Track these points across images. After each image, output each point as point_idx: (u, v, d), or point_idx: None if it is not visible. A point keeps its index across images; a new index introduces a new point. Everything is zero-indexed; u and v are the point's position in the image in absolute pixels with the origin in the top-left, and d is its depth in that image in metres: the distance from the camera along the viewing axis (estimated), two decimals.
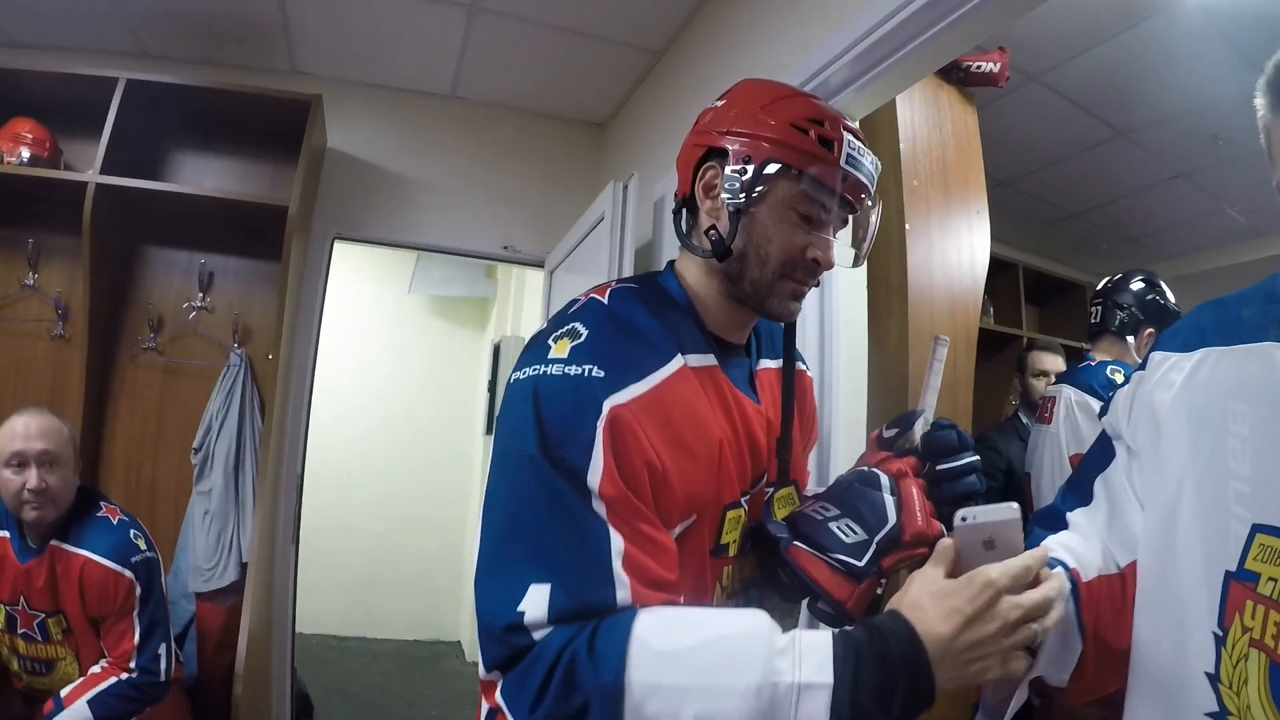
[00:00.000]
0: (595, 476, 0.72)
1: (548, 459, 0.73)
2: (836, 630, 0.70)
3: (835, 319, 1.76)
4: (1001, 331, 3.95)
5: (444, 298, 5.26)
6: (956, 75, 2.33)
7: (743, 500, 0.94)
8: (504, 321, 4.86)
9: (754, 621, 0.69)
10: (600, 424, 0.73)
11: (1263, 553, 0.74)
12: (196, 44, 2.94)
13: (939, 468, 0.92)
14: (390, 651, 4.73)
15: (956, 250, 2.17)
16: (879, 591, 0.90)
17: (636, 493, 0.74)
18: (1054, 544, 0.94)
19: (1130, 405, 0.95)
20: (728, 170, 0.88)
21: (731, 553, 0.93)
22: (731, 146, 0.88)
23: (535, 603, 0.69)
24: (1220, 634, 0.76)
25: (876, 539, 0.87)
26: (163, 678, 1.88)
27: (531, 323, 3.89)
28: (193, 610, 2.61)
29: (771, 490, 0.99)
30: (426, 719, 3.81)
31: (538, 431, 0.74)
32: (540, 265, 3.23)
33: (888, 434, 0.98)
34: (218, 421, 2.74)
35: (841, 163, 0.85)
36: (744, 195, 0.86)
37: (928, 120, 2.21)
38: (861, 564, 0.86)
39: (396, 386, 5.15)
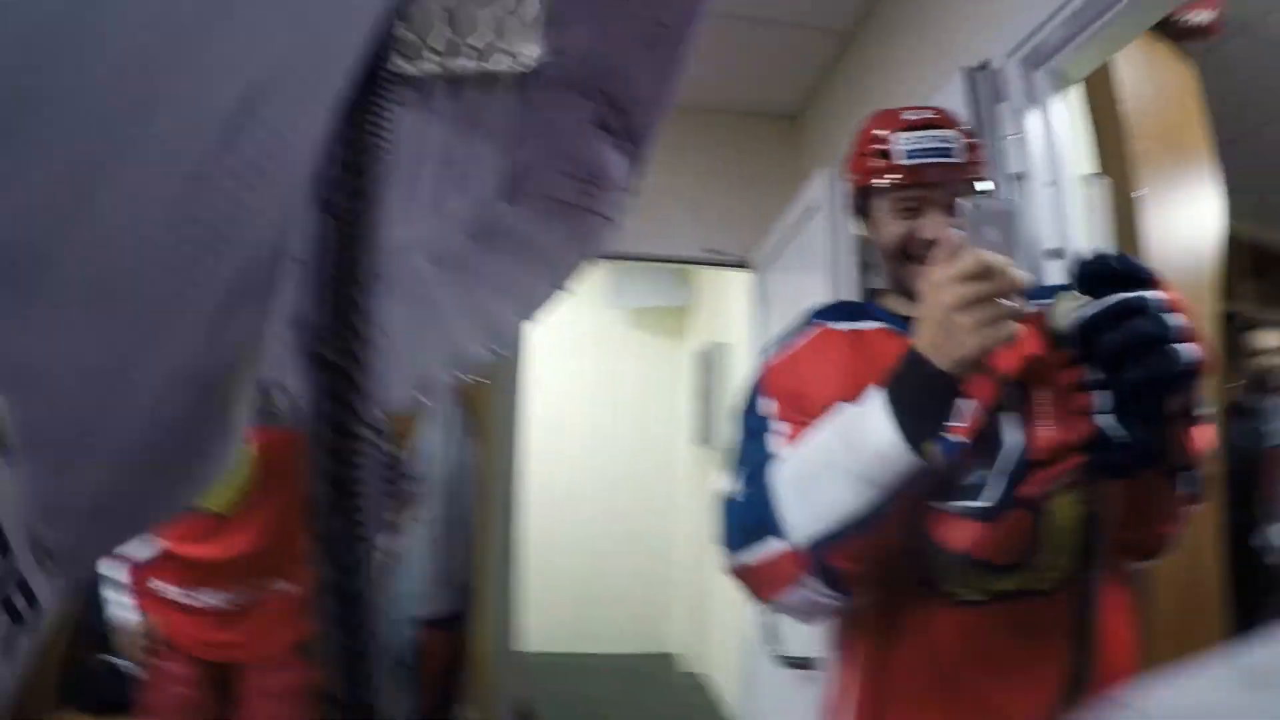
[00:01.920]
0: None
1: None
2: None
3: None
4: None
5: (641, 309, 5.40)
6: (1170, 32, 2.20)
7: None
8: (704, 328, 4.92)
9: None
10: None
11: None
12: None
13: (1086, 330, 0.74)
14: (608, 666, 4.88)
15: (1189, 218, 2.03)
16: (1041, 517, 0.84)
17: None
18: None
19: None
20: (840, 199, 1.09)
21: None
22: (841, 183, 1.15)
23: (736, 482, 0.94)
24: None
25: (999, 469, 0.80)
26: None
27: (736, 327, 3.84)
28: (412, 636, 2.70)
29: None
30: None
31: None
32: (743, 266, 3.21)
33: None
34: (439, 451, 2.83)
35: (898, 161, 0.99)
36: (858, 217, 1.09)
37: (1146, 80, 2.09)
38: (984, 504, 0.80)
39: (602, 401, 5.32)
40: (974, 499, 0.81)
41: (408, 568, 2.75)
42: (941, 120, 1.03)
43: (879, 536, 0.81)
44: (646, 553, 5.24)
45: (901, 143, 1.00)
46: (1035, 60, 1.72)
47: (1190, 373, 0.73)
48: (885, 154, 1.01)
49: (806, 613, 0.92)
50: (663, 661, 5.03)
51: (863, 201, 1.06)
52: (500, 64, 0.36)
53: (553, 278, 0.44)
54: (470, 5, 0.34)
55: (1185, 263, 2.02)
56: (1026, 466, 0.79)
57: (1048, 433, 0.77)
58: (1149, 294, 0.73)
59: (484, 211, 0.38)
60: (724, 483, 0.98)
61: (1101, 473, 0.77)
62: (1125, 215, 1.91)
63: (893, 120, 1.03)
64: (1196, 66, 2.32)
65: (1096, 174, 1.65)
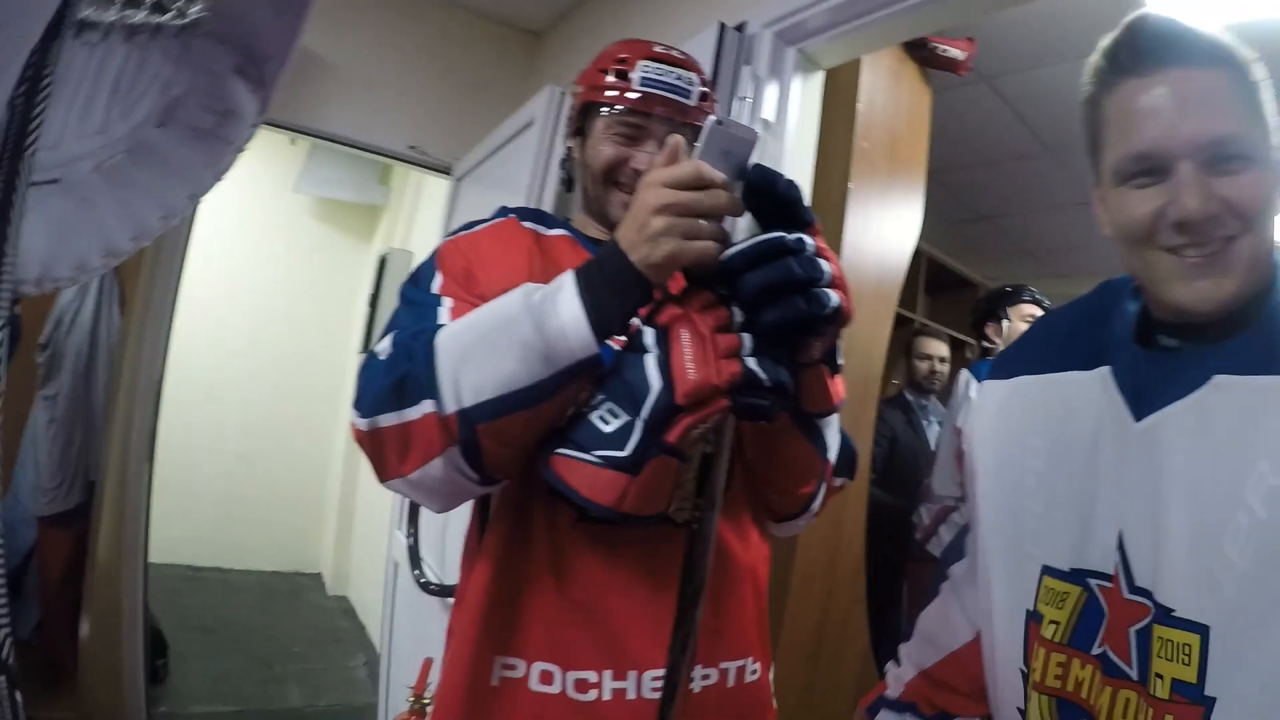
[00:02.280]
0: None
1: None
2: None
3: None
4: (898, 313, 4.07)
5: (331, 201, 4.80)
6: (922, 54, 2.31)
7: None
8: (393, 232, 4.52)
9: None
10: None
11: (1048, 595, 0.75)
12: None
13: (731, 267, 0.73)
14: (249, 584, 4.42)
15: (893, 221, 2.16)
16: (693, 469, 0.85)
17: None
18: (902, 653, 1.08)
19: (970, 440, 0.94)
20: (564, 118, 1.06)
21: None
22: (570, 102, 1.10)
23: (382, 342, 0.85)
24: (1025, 671, 0.78)
25: (642, 416, 0.72)
26: None
27: (426, 235, 3.59)
28: (33, 537, 2.29)
29: None
30: (288, 656, 3.58)
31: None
32: (447, 172, 2.97)
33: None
34: (69, 315, 2.38)
35: (635, 85, 0.99)
36: (575, 136, 1.07)
37: (886, 89, 2.18)
38: (626, 453, 0.73)
39: (270, 295, 4.68)
40: (616, 448, 0.74)
41: (25, 452, 2.31)
42: (687, 63, 1.03)
43: (533, 422, 0.77)
44: (301, 466, 4.72)
45: (642, 69, 1.00)
46: (790, 38, 1.73)
47: (836, 319, 0.74)
48: (624, 74, 1.00)
49: (436, 492, 0.84)
50: (311, 582, 4.63)
51: (584, 119, 1.04)
52: (166, 16, 0.43)
53: (191, 190, 0.53)
54: None
55: (879, 262, 2.14)
56: (671, 411, 0.71)
57: (692, 375, 0.70)
58: (804, 236, 0.73)
59: (141, 133, 0.46)
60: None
61: (747, 415, 0.76)
62: (836, 201, 2.00)
63: (641, 48, 1.03)
64: (933, 95, 2.50)
65: (766, 121, 1.70)
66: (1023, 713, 0.78)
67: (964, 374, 2.59)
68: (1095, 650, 0.71)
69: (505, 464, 0.80)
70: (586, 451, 0.75)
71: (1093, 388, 0.75)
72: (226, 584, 4.35)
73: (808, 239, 0.73)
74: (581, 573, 0.88)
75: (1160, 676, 0.65)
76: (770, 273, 0.71)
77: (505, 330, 0.75)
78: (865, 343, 2.10)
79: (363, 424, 0.81)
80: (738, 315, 0.73)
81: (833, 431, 0.95)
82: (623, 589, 0.89)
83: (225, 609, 3.99)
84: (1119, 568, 0.70)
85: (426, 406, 0.76)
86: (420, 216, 4.17)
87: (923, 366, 3.17)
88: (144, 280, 2.36)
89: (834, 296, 0.73)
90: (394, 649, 2.46)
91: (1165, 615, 0.65)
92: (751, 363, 0.72)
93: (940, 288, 4.75)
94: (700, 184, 0.72)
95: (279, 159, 4.44)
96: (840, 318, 0.74)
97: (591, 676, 0.86)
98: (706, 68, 1.62)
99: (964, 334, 4.09)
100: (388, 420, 0.79)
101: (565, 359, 0.73)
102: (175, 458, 3.50)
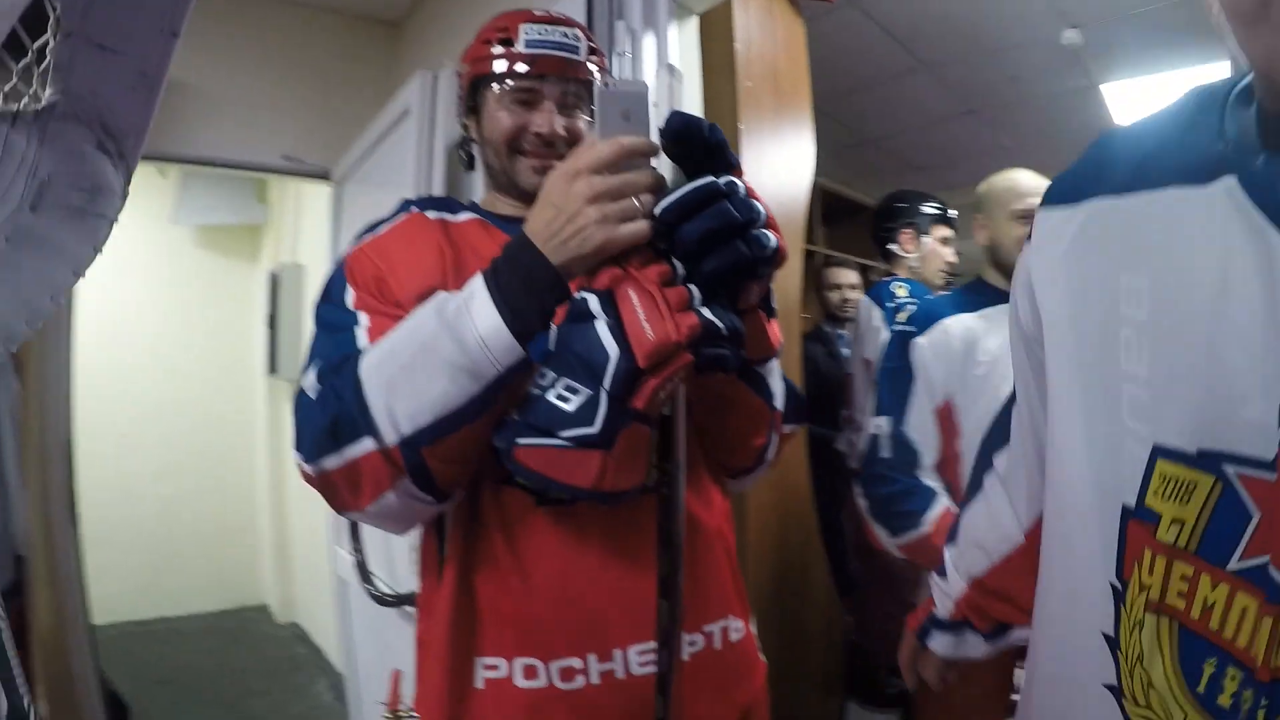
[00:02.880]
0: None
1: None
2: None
3: None
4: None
5: (212, 227, 4.65)
6: None
7: None
8: (280, 249, 4.36)
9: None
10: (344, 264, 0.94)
11: (1165, 486, 0.56)
12: None
13: (666, 220, 0.71)
14: (197, 628, 4.29)
15: (787, 156, 2.16)
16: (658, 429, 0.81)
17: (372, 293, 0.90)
18: (949, 561, 0.96)
19: (1021, 292, 0.73)
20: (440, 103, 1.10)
21: None
22: (444, 85, 1.13)
23: (308, 376, 0.84)
24: (1120, 587, 0.59)
25: (605, 387, 0.68)
26: None
27: (314, 246, 3.47)
28: None
29: None
30: (250, 693, 3.48)
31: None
32: (325, 178, 2.86)
33: None
34: None
35: (519, 49, 0.97)
36: (469, 115, 1.05)
37: (761, 26, 2.16)
38: (596, 429, 0.69)
39: (165, 334, 4.54)
40: (585, 426, 0.69)
41: None
42: (568, 20, 1.02)
43: (476, 434, 0.76)
44: (226, 497, 4.55)
45: (525, 32, 0.99)
46: None
47: (775, 260, 0.74)
48: (508, 41, 0.99)
49: (397, 519, 0.84)
50: (259, 614, 4.52)
51: (475, 96, 1.03)
52: (22, 103, 0.45)
53: (74, 266, 0.53)
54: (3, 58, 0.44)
55: (780, 200, 2.13)
56: (634, 376, 0.68)
57: (650, 334, 0.67)
58: (734, 179, 0.72)
59: (18, 219, 0.47)
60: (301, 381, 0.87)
61: (710, 367, 0.72)
62: (731, 145, 1.99)
63: (520, 15, 1.01)
64: (806, 26, 2.50)
65: (671, 66, 1.69)
66: (1111, 640, 0.60)
67: (864, 301, 2.54)
68: (1235, 565, 0.52)
69: (458, 478, 0.81)
70: (553, 435, 0.71)
71: (1213, 207, 0.54)
72: (175, 632, 4.23)
73: (738, 181, 0.72)
74: (546, 559, 0.87)
75: None
76: (708, 219, 0.69)
77: (427, 352, 0.74)
78: (781, 281, 2.07)
79: (309, 468, 0.80)
80: (678, 268, 0.71)
81: (776, 379, 0.95)
82: (591, 568, 0.87)
83: (178, 657, 3.89)
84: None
85: (368, 444, 0.75)
86: (305, 227, 4.04)
87: (834, 297, 3.21)
88: (36, 341, 2.22)
89: (772, 237, 0.73)
90: (358, 667, 2.41)
91: None
92: (707, 312, 0.70)
93: (836, 216, 4.82)
94: (627, 159, 0.70)
95: (152, 193, 4.30)
96: (778, 258, 0.74)
97: (576, 663, 0.85)
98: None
99: (868, 258, 4.15)
100: (331, 463, 0.78)
101: (492, 370, 0.72)
102: (100, 513, 3.30)
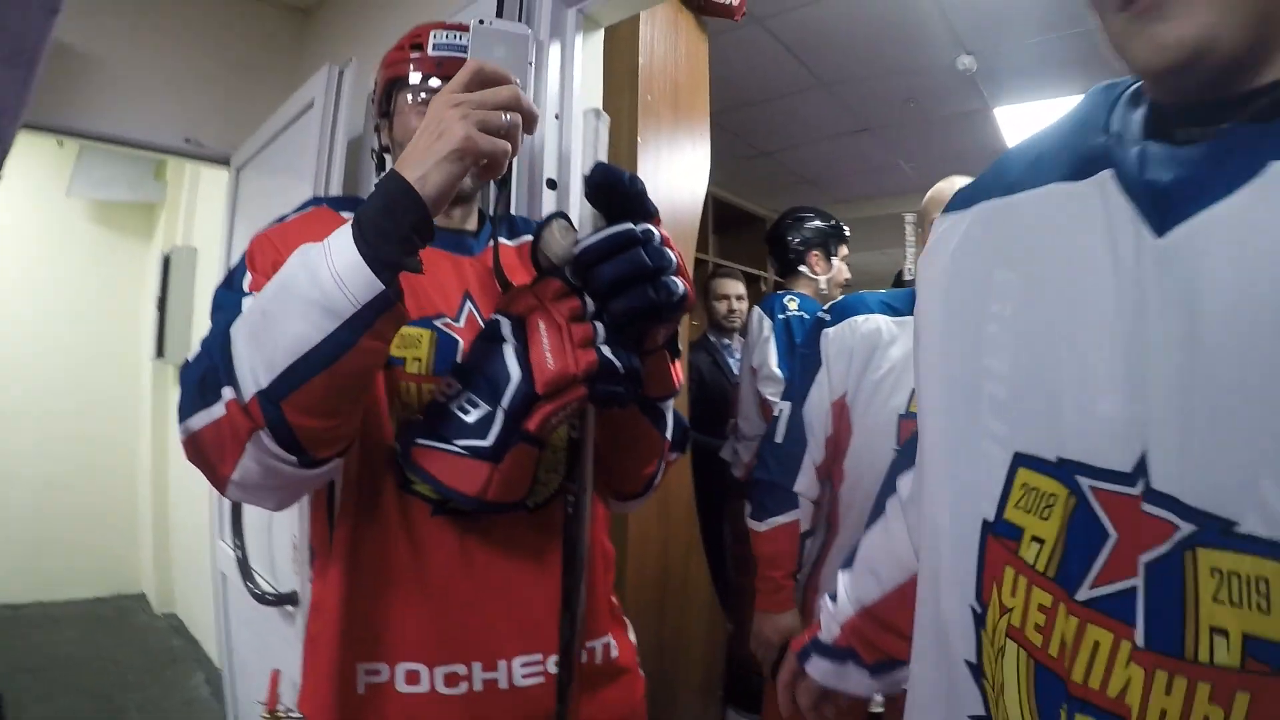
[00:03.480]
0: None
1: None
2: None
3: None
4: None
5: (106, 203, 4.46)
6: (695, 2, 2.37)
7: (436, 323, 0.92)
8: (174, 230, 4.23)
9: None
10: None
11: (1025, 497, 0.50)
12: None
13: (584, 260, 0.76)
14: (73, 615, 4.12)
15: (682, 168, 2.23)
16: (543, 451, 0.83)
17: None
18: (841, 586, 0.93)
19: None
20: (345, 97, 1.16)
21: (410, 369, 0.90)
22: (350, 79, 1.20)
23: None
24: (979, 610, 0.53)
25: (503, 406, 0.75)
26: None
27: (209, 230, 3.39)
28: None
29: None
30: (125, 685, 3.36)
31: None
32: (226, 163, 2.81)
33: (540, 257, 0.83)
34: None
35: (429, 52, 1.04)
36: (381, 118, 1.11)
37: (665, 39, 2.23)
38: (489, 442, 0.75)
39: (52, 311, 4.35)
40: (478, 438, 0.76)
41: None
42: None
43: (339, 383, 0.72)
44: (107, 482, 4.44)
45: (434, 38, 1.05)
46: None
47: (681, 306, 0.77)
48: (420, 46, 1.05)
49: (263, 486, 0.79)
50: (136, 604, 4.36)
51: (389, 101, 1.09)
52: None
53: None
54: None
55: (673, 211, 2.19)
56: (530, 400, 0.74)
57: (551, 365, 0.73)
58: (650, 227, 0.76)
59: None
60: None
61: (603, 403, 0.78)
62: (625, 158, 2.04)
63: (433, 25, 1.07)
64: (710, 42, 2.57)
65: (597, 110, 1.73)
66: (975, 669, 0.53)
67: (755, 311, 2.60)
68: (1084, 594, 0.46)
69: (323, 438, 0.76)
70: (448, 442, 0.77)
71: (1087, 200, 0.51)
72: (49, 618, 4.08)
73: (654, 229, 0.76)
74: (443, 565, 0.88)
75: (1221, 633, 0.40)
76: (622, 264, 0.74)
77: (285, 292, 0.72)
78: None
79: (181, 433, 0.78)
80: (589, 304, 0.77)
81: (670, 411, 0.99)
82: (486, 577, 0.89)
83: (52, 645, 3.76)
84: (1139, 460, 0.44)
85: (227, 394, 0.73)
86: (200, 210, 3.94)
87: (720, 307, 3.28)
88: None
89: (680, 284, 0.77)
90: (236, 665, 2.36)
91: (1220, 533, 0.41)
92: (606, 351, 0.75)
93: (727, 225, 4.96)
94: (485, 80, 0.72)
95: (48, 163, 4.15)
96: (684, 305, 0.77)
97: (460, 669, 0.86)
98: None
99: (757, 269, 4.29)
100: (199, 422, 0.75)
101: (348, 305, 0.69)
102: None
